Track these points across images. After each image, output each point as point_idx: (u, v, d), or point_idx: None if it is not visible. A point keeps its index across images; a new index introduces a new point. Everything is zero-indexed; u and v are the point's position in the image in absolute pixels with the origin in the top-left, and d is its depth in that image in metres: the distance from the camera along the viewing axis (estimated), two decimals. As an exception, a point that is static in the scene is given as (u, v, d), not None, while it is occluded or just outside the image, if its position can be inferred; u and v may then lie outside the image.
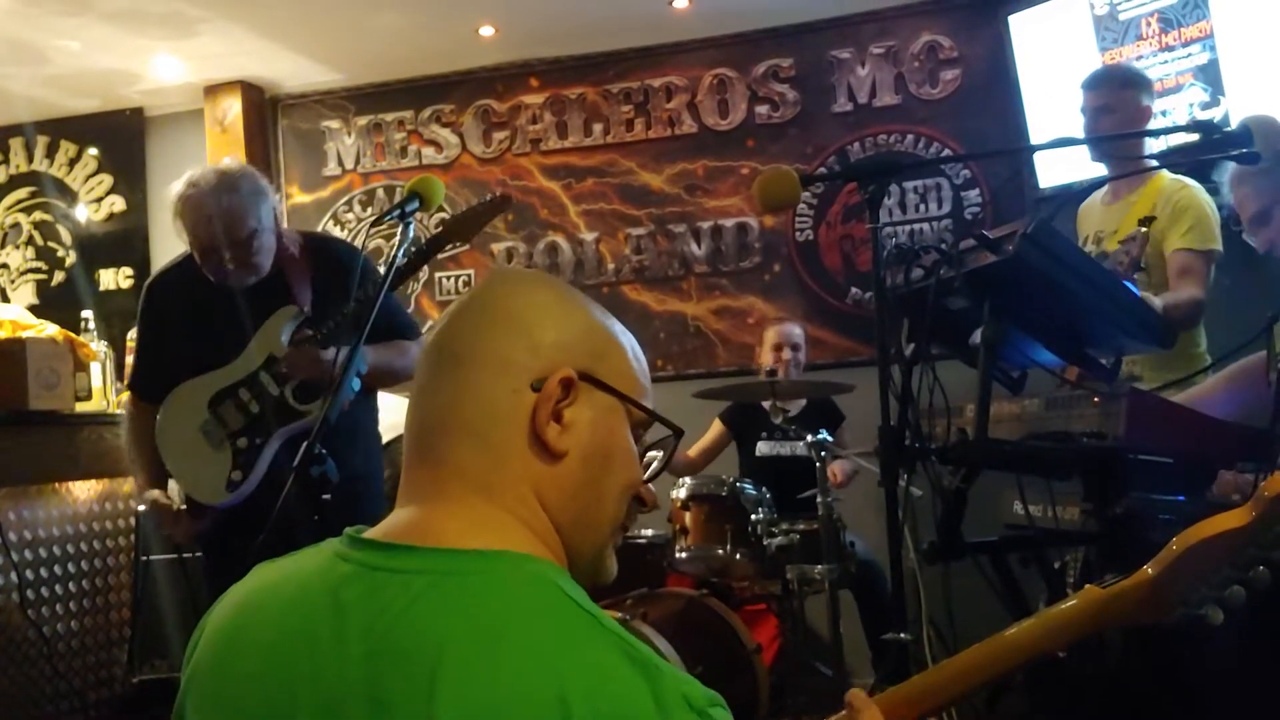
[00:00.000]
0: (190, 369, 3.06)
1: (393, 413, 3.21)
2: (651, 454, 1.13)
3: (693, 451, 4.77)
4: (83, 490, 4.19)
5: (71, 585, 4.11)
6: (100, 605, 4.25)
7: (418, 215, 2.43)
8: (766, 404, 4.52)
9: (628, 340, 1.09)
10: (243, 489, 2.94)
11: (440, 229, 2.84)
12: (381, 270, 2.63)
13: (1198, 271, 3.25)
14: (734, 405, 4.80)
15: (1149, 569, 1.21)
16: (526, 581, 0.92)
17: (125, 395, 3.40)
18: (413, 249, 2.60)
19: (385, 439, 3.30)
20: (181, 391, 3.07)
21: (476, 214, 2.80)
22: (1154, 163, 3.39)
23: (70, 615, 4.10)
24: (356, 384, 2.34)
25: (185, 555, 4.04)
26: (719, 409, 4.82)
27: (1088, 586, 1.25)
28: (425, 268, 5.74)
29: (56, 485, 4.08)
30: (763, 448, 4.66)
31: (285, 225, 3.36)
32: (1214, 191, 3.40)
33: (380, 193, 5.89)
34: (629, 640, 0.88)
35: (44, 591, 3.98)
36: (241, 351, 2.99)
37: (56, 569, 4.05)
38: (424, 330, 4.83)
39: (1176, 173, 3.37)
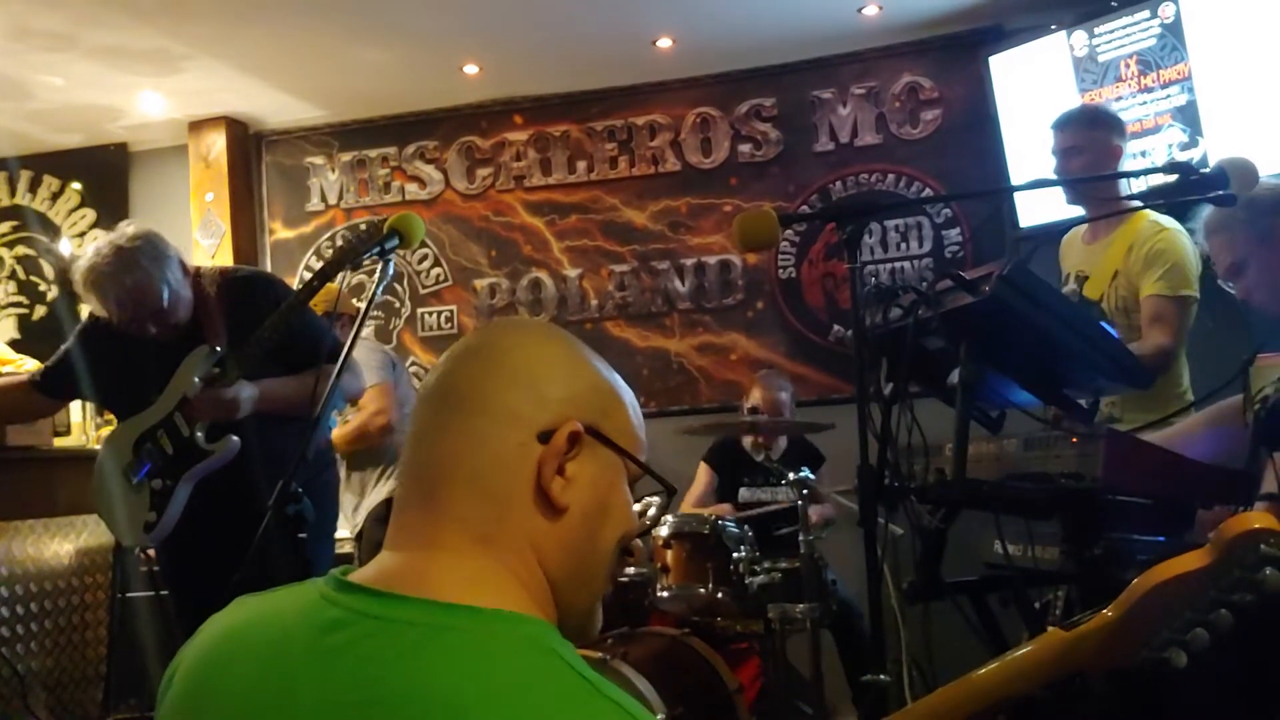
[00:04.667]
0: (122, 414, 3.12)
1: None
2: (648, 500, 1.14)
3: (687, 504, 4.72)
4: (60, 526, 4.16)
5: (47, 622, 4.07)
6: (76, 642, 4.21)
7: (399, 251, 2.42)
8: (749, 444, 4.52)
9: (629, 396, 1.09)
10: (157, 531, 2.95)
11: (329, 261, 2.75)
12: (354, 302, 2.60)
13: (1169, 318, 3.23)
14: (716, 446, 4.79)
15: (1109, 612, 1.20)
16: (522, 644, 0.90)
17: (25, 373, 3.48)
18: (315, 282, 2.55)
19: None
20: (113, 435, 3.12)
21: (363, 242, 2.67)
22: (1133, 203, 3.39)
23: (45, 652, 4.05)
24: (334, 421, 2.33)
25: (163, 592, 4.01)
26: (702, 446, 4.80)
27: (1051, 629, 1.25)
28: (409, 303, 5.78)
29: (33, 521, 4.05)
30: (744, 494, 4.64)
31: (210, 265, 3.36)
32: (1194, 232, 3.42)
33: (363, 229, 5.88)
34: (627, 707, 0.87)
35: (19, 629, 3.94)
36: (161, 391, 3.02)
37: (32, 606, 4.01)
38: (405, 364, 4.86)
39: (1158, 213, 3.37)
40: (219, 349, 2.92)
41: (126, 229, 3.00)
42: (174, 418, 2.95)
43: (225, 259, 5.77)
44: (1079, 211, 3.69)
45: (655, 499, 2.90)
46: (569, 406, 1.02)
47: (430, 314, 5.80)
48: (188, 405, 2.93)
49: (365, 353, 4.83)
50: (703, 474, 4.83)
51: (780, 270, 5.39)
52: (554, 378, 1.03)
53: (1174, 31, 4.27)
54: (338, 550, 3.85)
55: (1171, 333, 3.21)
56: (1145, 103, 4.36)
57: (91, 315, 3.19)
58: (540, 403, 1.01)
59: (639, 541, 1.10)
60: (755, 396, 4.74)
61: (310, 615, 0.95)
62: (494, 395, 1.01)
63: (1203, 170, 2.28)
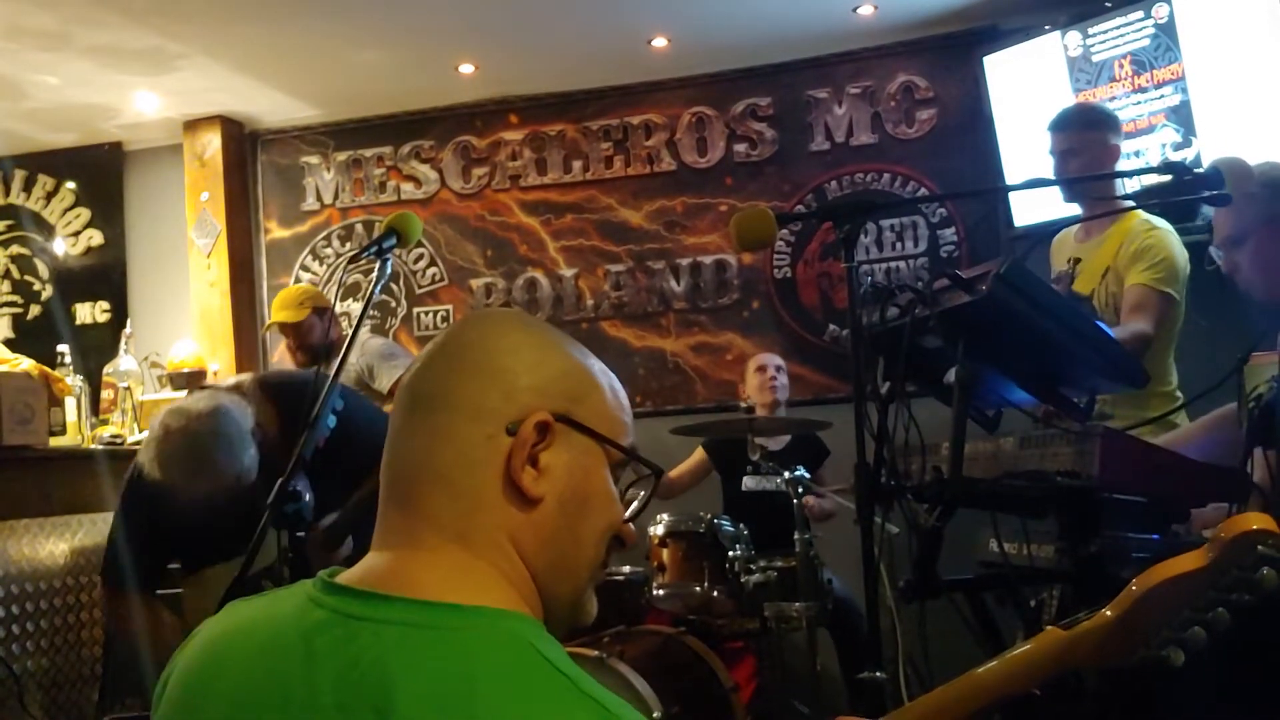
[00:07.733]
0: (202, 560, 3.08)
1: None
2: (632, 492, 1.12)
3: (673, 473, 4.76)
4: (55, 526, 4.15)
5: (43, 622, 4.06)
6: (71, 642, 4.19)
7: (395, 251, 2.43)
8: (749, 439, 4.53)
9: (607, 379, 1.07)
10: None
11: None
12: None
13: (1151, 307, 3.23)
14: (719, 439, 4.79)
15: (1108, 611, 1.21)
16: (501, 641, 0.91)
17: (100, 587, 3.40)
18: None
19: None
20: (206, 577, 3.08)
21: None
22: (1128, 203, 3.39)
23: (41, 652, 4.04)
24: (332, 420, 2.33)
25: (159, 591, 4.00)
26: (697, 445, 4.81)
27: (1049, 628, 1.25)
28: (404, 302, 5.78)
29: (28, 521, 4.04)
30: (749, 482, 4.64)
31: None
32: (1187, 233, 3.42)
33: (359, 228, 5.89)
34: (604, 703, 0.87)
35: (14, 629, 3.93)
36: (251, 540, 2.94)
37: (28, 605, 3.99)
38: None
39: (1151, 214, 3.38)
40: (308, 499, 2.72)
41: (199, 404, 2.82)
42: (280, 569, 2.88)
43: (220, 258, 5.77)
44: (1074, 210, 3.71)
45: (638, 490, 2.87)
46: (538, 395, 1.01)
47: (426, 313, 5.80)
48: (288, 554, 2.79)
49: (393, 344, 4.88)
50: (696, 455, 4.86)
51: (776, 270, 5.40)
52: (521, 367, 1.02)
53: (1167, 32, 4.28)
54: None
55: (1152, 322, 3.21)
56: (1139, 103, 4.37)
57: (133, 484, 3.11)
58: (508, 394, 1.00)
59: (630, 526, 1.09)
60: (753, 366, 4.85)
61: (298, 618, 0.96)
62: (459, 390, 1.00)
63: (1197, 170, 2.30)
